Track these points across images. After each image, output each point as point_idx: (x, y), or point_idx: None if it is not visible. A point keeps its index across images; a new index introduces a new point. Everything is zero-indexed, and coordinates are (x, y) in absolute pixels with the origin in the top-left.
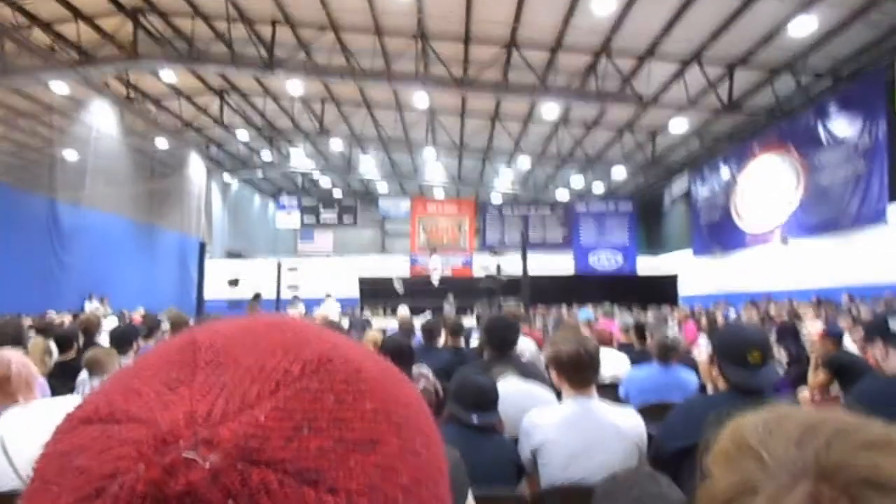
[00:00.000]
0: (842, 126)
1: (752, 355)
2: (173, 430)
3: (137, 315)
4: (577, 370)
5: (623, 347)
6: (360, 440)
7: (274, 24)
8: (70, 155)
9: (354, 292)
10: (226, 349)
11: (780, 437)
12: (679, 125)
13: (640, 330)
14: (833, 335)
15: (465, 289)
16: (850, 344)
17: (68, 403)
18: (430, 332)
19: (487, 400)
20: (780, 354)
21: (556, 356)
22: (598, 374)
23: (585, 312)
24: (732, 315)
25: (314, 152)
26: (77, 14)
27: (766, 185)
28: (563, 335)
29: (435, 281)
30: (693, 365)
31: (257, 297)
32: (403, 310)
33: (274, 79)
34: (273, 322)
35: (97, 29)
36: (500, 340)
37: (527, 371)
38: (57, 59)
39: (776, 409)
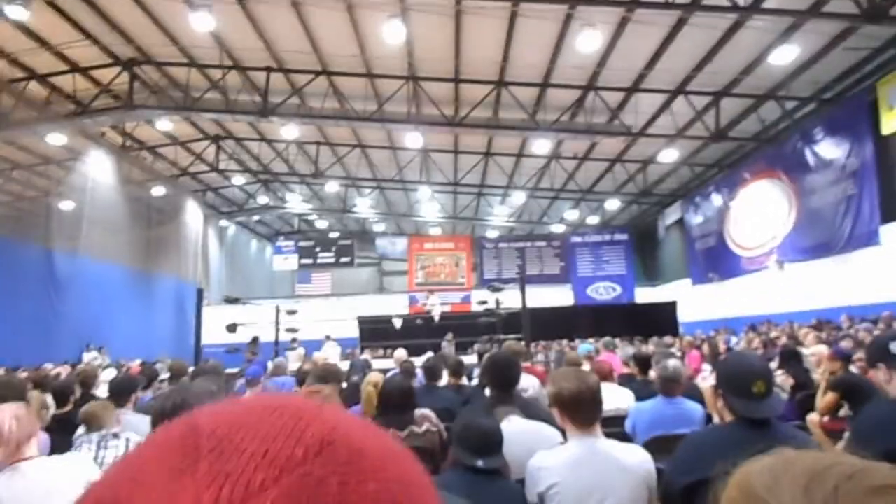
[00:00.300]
0: (829, 149)
1: (756, 386)
2: None
3: (135, 365)
4: (579, 408)
5: (625, 379)
6: None
7: (268, 70)
8: (66, 204)
9: (354, 332)
10: (228, 436)
11: (787, 484)
12: (669, 154)
13: (641, 362)
14: (840, 355)
15: (465, 326)
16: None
17: (65, 463)
18: (431, 371)
19: (492, 443)
20: (786, 380)
21: (557, 395)
22: (601, 410)
23: (586, 347)
24: (734, 341)
25: (310, 194)
26: (73, 66)
27: (759, 211)
28: (564, 373)
29: (436, 318)
30: (698, 395)
31: (255, 340)
32: (400, 352)
33: (269, 123)
34: (273, 405)
35: (93, 80)
36: (502, 379)
37: (530, 409)
38: (53, 110)
39: (783, 454)
